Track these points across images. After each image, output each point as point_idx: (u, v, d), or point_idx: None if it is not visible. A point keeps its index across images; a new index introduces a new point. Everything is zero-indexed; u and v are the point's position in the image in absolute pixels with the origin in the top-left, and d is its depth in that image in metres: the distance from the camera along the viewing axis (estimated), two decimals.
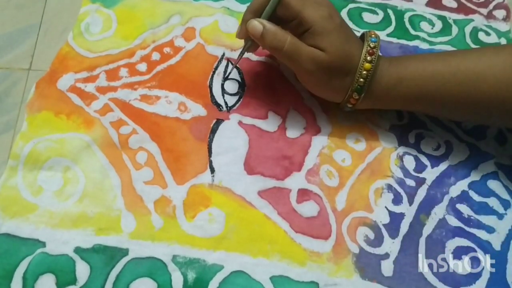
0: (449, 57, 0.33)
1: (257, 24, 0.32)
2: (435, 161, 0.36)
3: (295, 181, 0.35)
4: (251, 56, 0.40)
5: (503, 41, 0.43)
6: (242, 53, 0.37)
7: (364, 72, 0.32)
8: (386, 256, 0.33)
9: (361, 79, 0.32)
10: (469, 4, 0.45)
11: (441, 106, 0.33)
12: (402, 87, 0.33)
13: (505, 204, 0.35)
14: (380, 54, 0.33)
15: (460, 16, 0.44)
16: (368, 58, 0.32)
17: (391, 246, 0.33)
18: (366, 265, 0.32)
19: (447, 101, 0.32)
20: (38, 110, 0.36)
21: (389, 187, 0.35)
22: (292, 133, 0.37)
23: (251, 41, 0.35)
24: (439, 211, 0.35)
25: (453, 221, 0.34)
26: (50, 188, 0.33)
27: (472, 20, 0.44)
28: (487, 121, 0.36)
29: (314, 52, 0.32)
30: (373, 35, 0.33)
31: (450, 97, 0.32)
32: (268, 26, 0.32)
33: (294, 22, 0.33)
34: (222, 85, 0.39)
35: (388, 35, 0.42)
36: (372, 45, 0.33)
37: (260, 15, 0.33)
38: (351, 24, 0.43)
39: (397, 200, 0.35)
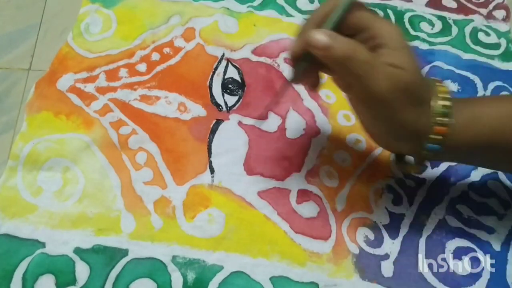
0: None
1: (322, 34, 0.26)
2: (435, 161, 0.36)
3: (295, 182, 0.35)
4: (251, 56, 0.40)
5: (503, 41, 0.43)
6: (293, 80, 0.29)
7: (443, 98, 0.27)
8: (386, 256, 0.33)
9: (440, 119, 0.27)
10: (469, 5, 0.45)
11: None
12: (476, 128, 0.28)
13: (505, 204, 0.35)
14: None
15: (460, 17, 0.44)
16: (443, 100, 0.27)
17: (391, 246, 0.33)
18: (366, 265, 0.32)
19: None
20: (37, 111, 0.36)
21: (389, 188, 0.35)
22: (292, 133, 0.37)
23: (308, 62, 0.28)
24: (439, 212, 0.35)
25: (453, 222, 0.34)
26: (49, 189, 0.33)
27: (472, 20, 0.44)
28: None
29: (393, 69, 0.26)
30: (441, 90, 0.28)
31: None
32: (336, 35, 0.26)
33: (362, 35, 0.27)
34: (222, 85, 0.39)
35: None
36: (443, 88, 0.28)
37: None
38: None
39: (397, 201, 0.35)
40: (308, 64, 0.28)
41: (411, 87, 0.26)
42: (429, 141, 0.27)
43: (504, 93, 0.40)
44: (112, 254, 0.32)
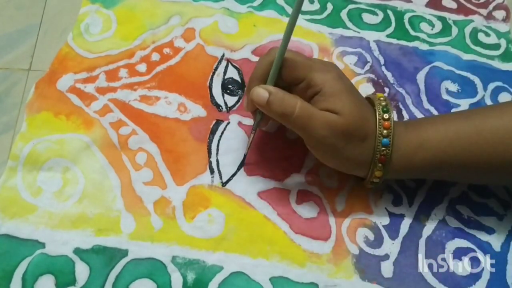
0: (472, 115, 0.30)
1: (261, 91, 0.29)
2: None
3: (295, 182, 0.35)
4: (251, 57, 0.40)
5: (502, 42, 0.43)
6: (254, 130, 0.33)
7: (385, 131, 0.29)
8: (386, 257, 0.33)
9: (383, 148, 0.29)
10: (468, 5, 0.45)
11: (467, 170, 0.30)
12: (424, 152, 0.30)
13: (505, 205, 0.35)
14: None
15: (460, 17, 0.44)
16: (385, 132, 0.30)
17: (391, 247, 0.33)
18: (366, 266, 0.32)
19: (474, 162, 0.29)
20: (37, 111, 0.36)
21: (389, 188, 0.35)
22: (292, 133, 0.37)
23: (261, 114, 0.32)
24: (439, 212, 0.35)
25: (453, 222, 0.34)
26: (49, 189, 0.33)
27: (472, 21, 0.44)
28: None
29: (328, 115, 0.29)
30: (382, 102, 0.31)
31: (476, 157, 0.29)
32: (275, 91, 0.29)
33: (301, 85, 0.30)
34: (222, 85, 0.39)
35: (387, 36, 0.42)
36: (386, 116, 0.30)
37: (265, 83, 0.30)
38: (351, 25, 0.43)
39: (397, 201, 0.35)
40: (263, 115, 0.31)
41: (349, 129, 0.29)
42: (375, 168, 0.30)
43: (504, 94, 0.40)
44: (112, 255, 0.32)
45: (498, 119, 0.29)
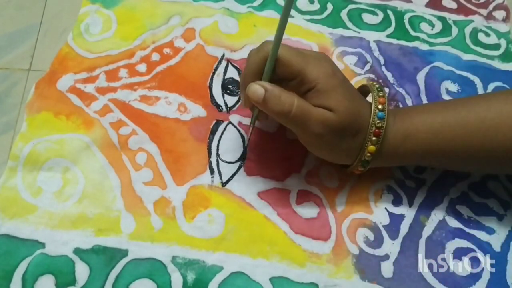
0: (458, 107, 0.31)
1: (257, 88, 0.28)
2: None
3: (295, 182, 0.35)
4: None
5: (502, 42, 0.43)
6: (252, 124, 0.34)
7: (376, 129, 0.30)
8: (386, 257, 0.33)
9: (374, 137, 0.30)
10: (468, 5, 0.45)
11: (452, 160, 0.31)
12: (409, 143, 0.30)
13: (505, 205, 0.35)
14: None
15: (460, 17, 0.44)
16: (380, 107, 0.30)
17: (391, 247, 0.33)
18: (366, 266, 0.32)
19: (459, 153, 0.30)
20: (37, 111, 0.36)
21: (389, 188, 0.35)
22: (292, 133, 0.37)
23: (258, 109, 0.32)
24: (439, 213, 0.35)
25: (453, 223, 0.34)
26: (49, 189, 0.33)
27: (472, 21, 0.44)
28: (504, 171, 0.34)
29: (324, 114, 0.29)
30: (376, 84, 0.32)
31: (461, 149, 0.30)
32: (271, 89, 0.28)
33: (295, 81, 0.30)
34: (222, 85, 0.39)
35: (388, 36, 0.42)
36: (380, 94, 0.31)
37: (260, 78, 0.30)
38: (351, 25, 0.43)
39: (397, 202, 0.35)
40: (260, 110, 0.31)
41: (343, 125, 0.29)
42: (364, 157, 0.31)
43: None
44: (112, 255, 0.32)
45: (485, 111, 0.29)
